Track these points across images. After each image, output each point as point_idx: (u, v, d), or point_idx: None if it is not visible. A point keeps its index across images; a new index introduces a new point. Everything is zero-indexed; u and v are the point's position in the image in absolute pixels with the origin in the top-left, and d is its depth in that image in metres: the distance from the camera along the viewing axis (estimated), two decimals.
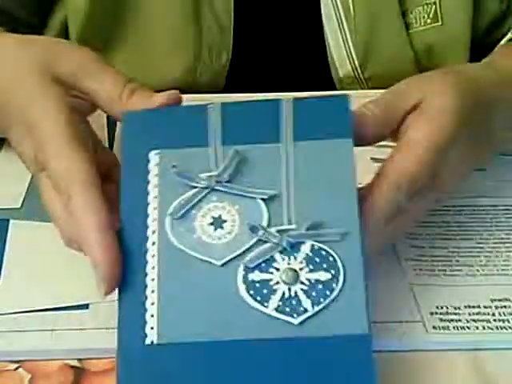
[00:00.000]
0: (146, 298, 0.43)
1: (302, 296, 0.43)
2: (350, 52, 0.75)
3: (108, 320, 0.48)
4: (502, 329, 0.49)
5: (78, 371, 0.46)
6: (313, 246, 0.44)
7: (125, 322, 0.43)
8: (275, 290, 0.43)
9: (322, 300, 0.43)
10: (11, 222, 0.56)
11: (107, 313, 0.49)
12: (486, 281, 0.52)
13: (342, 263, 0.43)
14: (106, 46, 0.74)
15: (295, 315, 0.42)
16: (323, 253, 0.44)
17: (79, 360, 0.47)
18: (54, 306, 0.50)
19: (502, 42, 0.70)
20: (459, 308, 0.50)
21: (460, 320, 0.49)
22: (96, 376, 0.46)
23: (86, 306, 0.50)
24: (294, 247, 0.44)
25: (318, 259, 0.44)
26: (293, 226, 0.44)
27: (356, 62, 0.75)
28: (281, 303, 0.43)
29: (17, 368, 0.47)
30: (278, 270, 0.44)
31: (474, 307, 0.50)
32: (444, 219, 0.57)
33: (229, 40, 0.74)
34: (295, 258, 0.44)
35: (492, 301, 0.51)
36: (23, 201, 0.58)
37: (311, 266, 0.44)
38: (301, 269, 0.44)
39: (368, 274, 0.43)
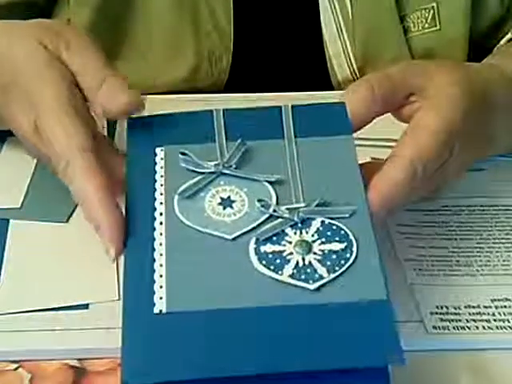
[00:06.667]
0: (154, 271, 0.42)
1: (317, 264, 0.42)
2: (349, 56, 0.75)
3: (108, 320, 0.48)
4: (502, 329, 0.48)
5: (78, 371, 0.46)
6: (323, 221, 0.44)
7: (131, 293, 0.42)
8: (289, 260, 0.42)
9: (337, 268, 0.42)
10: (11, 222, 0.56)
11: (107, 313, 0.49)
12: (485, 281, 0.52)
13: (353, 236, 0.43)
14: (107, 53, 0.74)
15: (311, 281, 0.41)
16: (334, 227, 0.44)
17: (79, 360, 0.47)
18: (53, 306, 0.49)
19: (502, 41, 0.71)
20: (459, 308, 0.50)
21: (460, 320, 0.49)
22: (96, 376, 0.46)
23: (86, 306, 0.50)
24: (305, 222, 0.44)
25: (329, 233, 0.43)
26: (302, 204, 0.44)
27: (355, 66, 0.75)
28: (295, 271, 0.42)
29: (17, 368, 0.46)
30: (290, 242, 0.43)
31: (474, 307, 0.50)
32: (444, 219, 0.57)
33: (229, 45, 0.74)
34: (307, 232, 0.44)
35: (492, 301, 0.51)
36: (23, 201, 0.58)
37: (323, 239, 0.43)
38: (313, 241, 0.43)
39: (380, 249, 0.43)
